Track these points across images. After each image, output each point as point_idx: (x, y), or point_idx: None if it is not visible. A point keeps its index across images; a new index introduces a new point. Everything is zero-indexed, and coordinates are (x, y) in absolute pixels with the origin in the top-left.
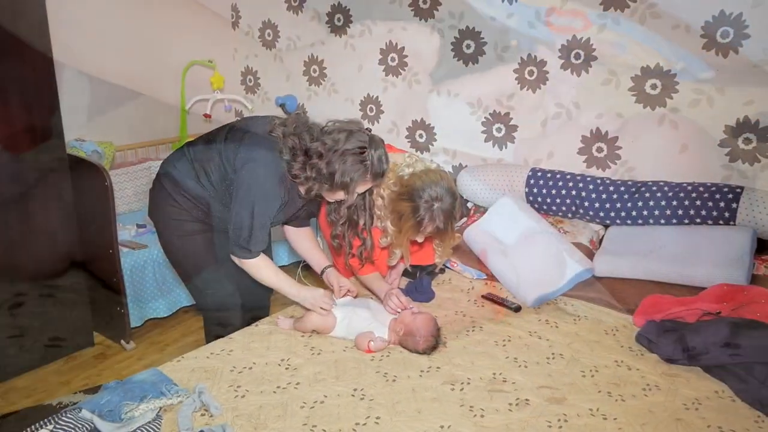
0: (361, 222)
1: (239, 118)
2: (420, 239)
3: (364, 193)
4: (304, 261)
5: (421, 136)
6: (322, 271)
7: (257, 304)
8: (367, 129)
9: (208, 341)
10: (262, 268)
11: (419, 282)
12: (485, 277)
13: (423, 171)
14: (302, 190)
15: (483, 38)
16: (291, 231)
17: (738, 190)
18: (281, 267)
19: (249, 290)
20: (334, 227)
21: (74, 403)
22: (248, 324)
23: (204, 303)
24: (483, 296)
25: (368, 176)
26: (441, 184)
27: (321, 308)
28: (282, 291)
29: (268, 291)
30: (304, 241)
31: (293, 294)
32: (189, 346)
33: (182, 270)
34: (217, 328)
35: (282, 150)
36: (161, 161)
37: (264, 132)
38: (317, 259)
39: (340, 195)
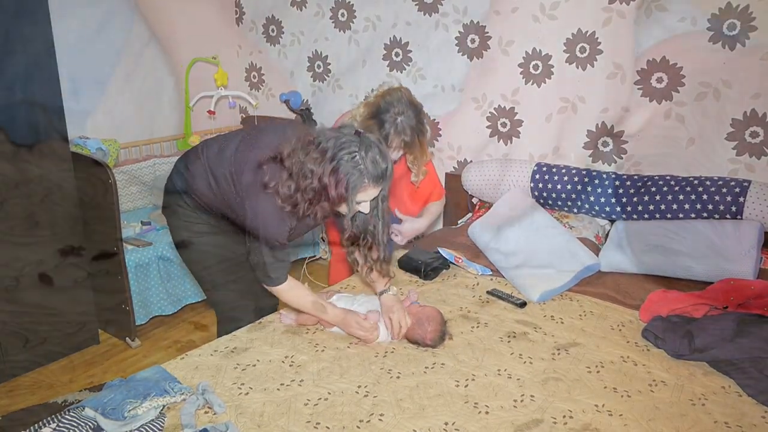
0: (376, 231)
1: (257, 126)
2: (394, 156)
3: (377, 200)
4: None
5: None
6: (381, 293)
7: (267, 300)
8: (356, 132)
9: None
10: (288, 291)
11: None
12: (490, 273)
13: (385, 91)
14: (309, 219)
15: (488, 32)
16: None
17: (745, 183)
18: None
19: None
20: (348, 243)
21: (79, 401)
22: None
23: (218, 303)
24: (488, 292)
25: (366, 181)
26: (402, 100)
27: (369, 334)
28: (317, 315)
29: None
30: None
31: (330, 318)
32: (194, 343)
33: (195, 269)
34: (232, 326)
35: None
36: (165, 158)
37: (271, 152)
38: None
39: (343, 208)
